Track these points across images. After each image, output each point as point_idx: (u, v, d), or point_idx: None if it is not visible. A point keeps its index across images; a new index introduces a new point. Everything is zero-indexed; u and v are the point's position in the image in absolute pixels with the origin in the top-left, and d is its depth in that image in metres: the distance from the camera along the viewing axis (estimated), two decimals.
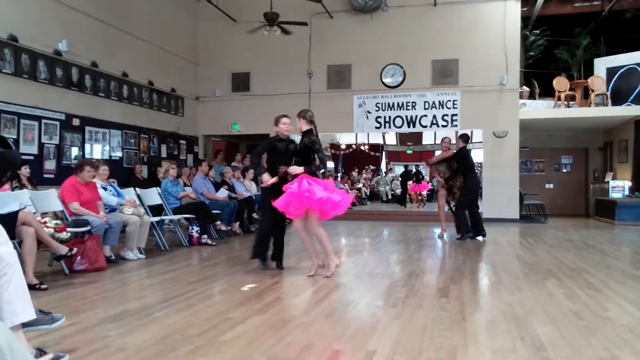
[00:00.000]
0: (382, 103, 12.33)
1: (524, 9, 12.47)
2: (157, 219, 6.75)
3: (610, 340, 3.03)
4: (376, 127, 12.53)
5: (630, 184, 11.38)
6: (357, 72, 12.41)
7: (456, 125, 12.08)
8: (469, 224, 8.00)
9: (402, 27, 12.04)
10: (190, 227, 7.28)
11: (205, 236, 7.21)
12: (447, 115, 12.00)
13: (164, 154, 11.37)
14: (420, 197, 16.00)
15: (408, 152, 22.70)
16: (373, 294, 4.40)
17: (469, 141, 8.58)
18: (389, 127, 12.53)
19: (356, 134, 17.51)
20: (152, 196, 7.18)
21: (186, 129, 12.47)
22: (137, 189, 7.00)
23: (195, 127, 12.97)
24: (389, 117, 12.35)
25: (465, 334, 3.14)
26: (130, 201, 6.17)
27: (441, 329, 3.25)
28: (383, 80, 12.30)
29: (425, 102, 12.10)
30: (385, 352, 2.84)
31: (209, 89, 13.05)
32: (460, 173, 7.97)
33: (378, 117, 12.37)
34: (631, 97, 11.79)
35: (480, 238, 7.98)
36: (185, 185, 7.97)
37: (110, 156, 9.53)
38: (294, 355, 2.73)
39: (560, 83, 12.02)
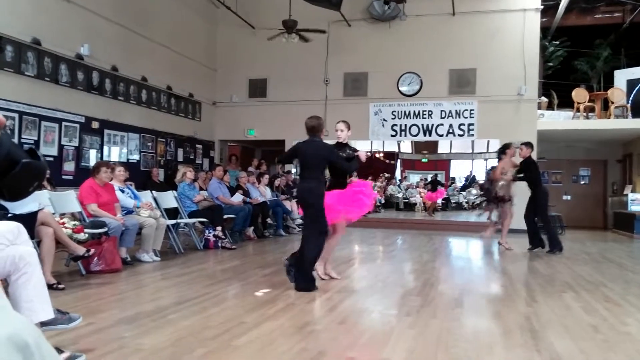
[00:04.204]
0: (398, 111, 12.31)
1: (544, 19, 12.38)
2: (173, 222, 6.80)
3: (629, 356, 2.97)
4: (392, 135, 12.51)
5: None
6: (374, 80, 12.41)
7: (472, 135, 12.02)
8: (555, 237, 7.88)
9: (419, 36, 12.04)
10: (207, 231, 7.32)
11: (224, 240, 7.27)
12: (463, 124, 11.94)
13: (180, 158, 11.48)
14: (434, 206, 15.87)
15: (423, 160, 22.63)
16: (387, 303, 4.38)
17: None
18: (405, 135, 12.50)
19: (371, 142, 17.50)
20: (169, 199, 7.24)
21: (203, 134, 12.58)
22: (153, 192, 7.07)
23: (212, 132, 13.08)
24: (405, 125, 12.32)
25: (481, 346, 3.11)
26: (147, 204, 6.23)
27: (456, 340, 3.21)
28: (400, 88, 12.29)
29: (441, 111, 12.05)
30: (412, 355, 2.82)
31: (226, 95, 13.16)
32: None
33: (394, 125, 12.35)
34: None
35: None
36: (200, 189, 8.03)
37: (128, 159, 9.64)
38: None
39: (580, 94, 11.89)
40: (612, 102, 11.72)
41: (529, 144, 8.03)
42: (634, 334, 3.45)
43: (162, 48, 10.74)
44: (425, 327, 3.47)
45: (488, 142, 16.61)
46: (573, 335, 3.33)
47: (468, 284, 5.28)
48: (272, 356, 2.79)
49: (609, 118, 11.64)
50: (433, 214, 15.38)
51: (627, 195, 11.80)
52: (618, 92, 11.92)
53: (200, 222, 7.41)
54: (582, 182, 14.00)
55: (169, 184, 9.08)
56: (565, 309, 4.09)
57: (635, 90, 11.99)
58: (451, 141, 16.48)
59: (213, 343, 2.97)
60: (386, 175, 19.02)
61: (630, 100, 11.97)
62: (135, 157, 9.95)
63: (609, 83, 13.11)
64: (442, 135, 12.33)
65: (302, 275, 4.56)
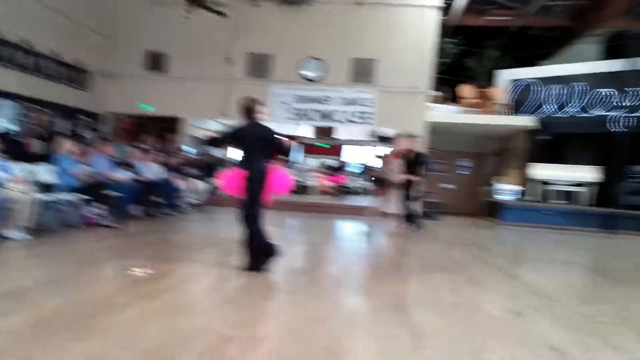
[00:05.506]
0: (299, 95, 12.39)
1: (441, 17, 13.02)
2: (50, 197, 6.31)
3: (484, 330, 3.28)
4: (292, 119, 12.57)
5: (517, 187, 12.32)
6: (278, 63, 12.35)
7: (370, 123, 12.43)
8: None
9: (326, 22, 12.16)
10: (89, 208, 6.88)
11: (106, 218, 6.88)
12: (362, 112, 12.31)
13: (64, 130, 10.63)
14: (330, 189, 16.28)
15: (322, 145, 23.04)
16: (273, 283, 4.42)
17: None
18: (305, 119, 12.63)
19: (271, 125, 17.46)
20: (46, 173, 6.71)
21: (91, 105, 11.75)
22: (29, 164, 6.50)
23: (102, 103, 12.23)
24: (306, 109, 12.45)
25: (352, 322, 3.27)
26: (18, 177, 5.72)
27: (331, 318, 3.35)
28: (302, 72, 12.36)
29: (342, 98, 12.32)
30: (274, 339, 2.88)
31: (120, 66, 12.35)
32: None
33: (294, 108, 12.42)
34: (527, 109, 12.79)
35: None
36: (84, 163, 7.51)
37: (3, 129, 8.75)
38: (177, 342, 2.69)
39: (466, 91, 12.76)
40: (495, 100, 12.71)
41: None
42: (489, 310, 3.81)
43: (49, 10, 9.80)
44: (307, 306, 3.57)
45: (383, 130, 17.26)
46: (437, 312, 3.61)
47: (351, 265, 5.51)
48: (141, 336, 2.72)
49: (491, 115, 12.62)
50: (334, 196, 15.77)
51: (493, 184, 12.94)
52: (500, 91, 12.96)
53: (81, 198, 6.94)
54: (463, 173, 15.03)
55: (47, 157, 8.40)
56: (432, 289, 4.40)
57: (515, 90, 13.10)
58: (350, 128, 16.92)
59: (79, 324, 2.83)
60: (283, 158, 19.08)
61: (511, 99, 13.06)
62: (10, 126, 9.05)
63: (495, 82, 14.16)
64: (341, 122, 12.62)
65: (256, 253, 4.53)
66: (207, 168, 10.69)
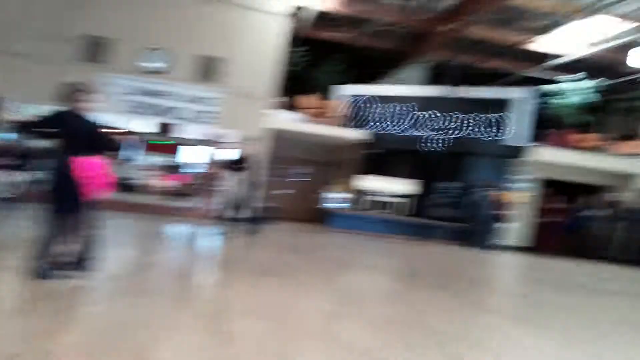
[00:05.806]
0: (138, 87, 11.77)
1: (291, 26, 13.39)
2: None
3: (297, 333, 3.49)
4: (128, 112, 11.87)
5: (346, 196, 13.24)
6: (118, 50, 11.56)
7: (213, 123, 12.29)
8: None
9: (174, 14, 11.73)
10: None
11: None
12: (205, 111, 12.14)
13: None
14: (166, 189, 15.69)
15: (162, 142, 22.14)
16: (78, 290, 4.09)
17: None
18: (144, 114, 12.03)
19: (105, 116, 16.27)
20: None
21: None
22: None
23: None
24: (145, 103, 11.87)
25: (164, 331, 3.22)
26: None
27: (141, 327, 3.26)
28: (144, 64, 11.75)
29: (185, 95, 12.01)
30: (69, 352, 2.72)
31: None
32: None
33: (132, 100, 11.76)
34: (361, 123, 13.85)
35: None
36: None
37: None
38: None
39: (309, 101, 13.37)
40: (334, 112, 13.50)
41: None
42: (305, 313, 4.06)
43: None
44: (114, 316, 3.45)
45: (216, 132, 17.18)
46: (255, 317, 3.73)
47: (175, 270, 5.41)
48: None
49: (330, 126, 13.37)
50: (170, 196, 15.20)
51: (326, 193, 13.77)
52: (339, 104, 13.81)
53: None
54: (301, 180, 15.63)
55: None
56: (256, 292, 4.54)
57: (354, 104, 14.09)
58: (189, 127, 16.58)
59: None
60: (110, 154, 17.90)
61: (349, 113, 14.00)
62: None
63: (336, 95, 15.02)
64: (183, 119, 12.28)
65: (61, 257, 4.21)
66: (23, 157, 9.55)
